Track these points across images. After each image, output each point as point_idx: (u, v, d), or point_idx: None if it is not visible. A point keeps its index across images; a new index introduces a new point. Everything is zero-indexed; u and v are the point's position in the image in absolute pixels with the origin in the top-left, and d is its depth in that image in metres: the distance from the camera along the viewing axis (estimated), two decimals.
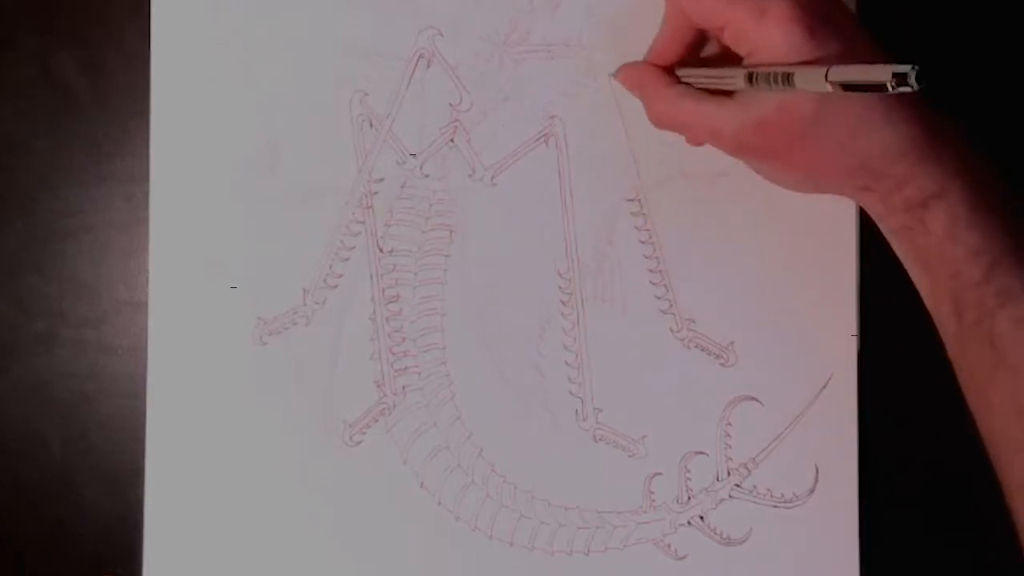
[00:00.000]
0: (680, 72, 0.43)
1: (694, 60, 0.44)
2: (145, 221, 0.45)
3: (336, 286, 0.46)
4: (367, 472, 0.45)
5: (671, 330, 0.46)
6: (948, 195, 0.39)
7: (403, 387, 0.46)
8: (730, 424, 0.45)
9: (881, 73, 0.34)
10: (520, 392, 0.45)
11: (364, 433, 0.45)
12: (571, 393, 0.46)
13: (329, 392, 0.45)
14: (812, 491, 0.45)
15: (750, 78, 0.39)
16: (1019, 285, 0.38)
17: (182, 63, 0.45)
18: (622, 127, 0.46)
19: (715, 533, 0.45)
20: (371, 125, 0.46)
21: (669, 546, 0.45)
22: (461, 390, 0.45)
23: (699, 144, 0.43)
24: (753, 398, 0.45)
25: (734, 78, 0.40)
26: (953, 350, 0.40)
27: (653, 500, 0.45)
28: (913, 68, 0.33)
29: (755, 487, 0.45)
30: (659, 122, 0.43)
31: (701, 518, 0.45)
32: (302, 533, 0.45)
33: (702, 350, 0.45)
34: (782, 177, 0.43)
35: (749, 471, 0.45)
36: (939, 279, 0.40)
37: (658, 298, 0.45)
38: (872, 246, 0.44)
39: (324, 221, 0.45)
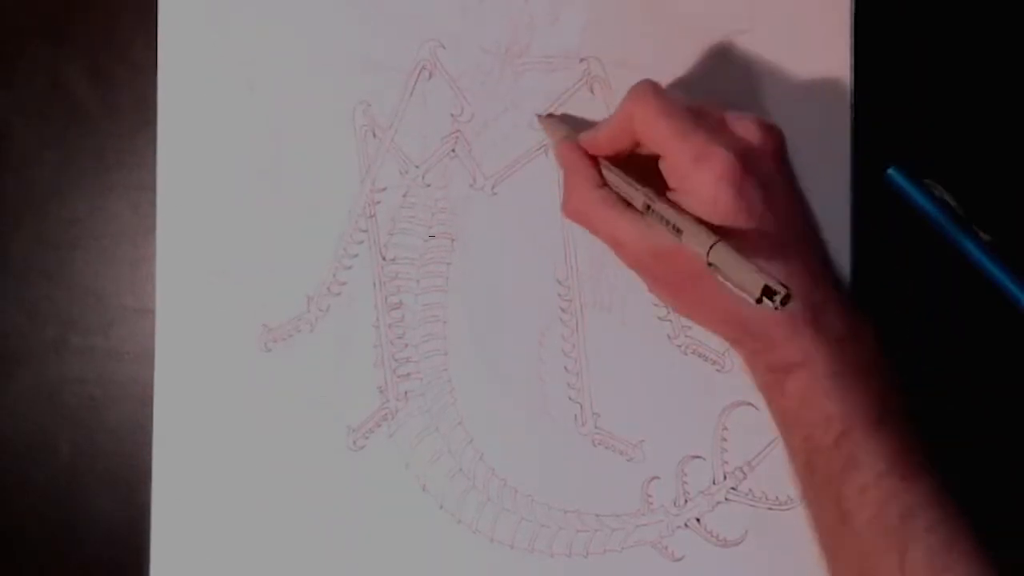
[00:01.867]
0: (603, 166, 0.42)
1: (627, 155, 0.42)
2: (152, 230, 0.46)
3: (340, 294, 0.46)
4: (370, 476, 0.46)
5: (668, 336, 0.46)
6: (811, 364, 0.39)
7: (405, 393, 0.46)
8: (726, 428, 0.46)
9: (752, 282, 0.33)
10: (520, 397, 0.46)
11: (367, 438, 0.46)
12: (570, 398, 0.46)
13: (333, 398, 0.46)
14: None
15: (647, 208, 0.39)
16: (865, 455, 0.39)
17: (188, 75, 0.46)
18: None
19: (711, 535, 0.46)
20: (374, 135, 0.46)
21: (666, 548, 0.46)
22: (462, 395, 0.46)
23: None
24: (748, 403, 0.46)
25: (636, 200, 0.40)
26: (807, 500, 0.42)
27: (651, 503, 0.46)
28: (784, 293, 0.33)
29: (750, 490, 0.46)
30: (569, 215, 0.43)
31: (698, 520, 0.46)
32: (306, 536, 0.46)
33: (699, 356, 0.46)
34: (667, 302, 0.44)
35: (745, 474, 0.46)
36: (794, 439, 0.41)
37: (656, 305, 0.46)
38: (867, 254, 0.45)
39: (328, 230, 0.46)
